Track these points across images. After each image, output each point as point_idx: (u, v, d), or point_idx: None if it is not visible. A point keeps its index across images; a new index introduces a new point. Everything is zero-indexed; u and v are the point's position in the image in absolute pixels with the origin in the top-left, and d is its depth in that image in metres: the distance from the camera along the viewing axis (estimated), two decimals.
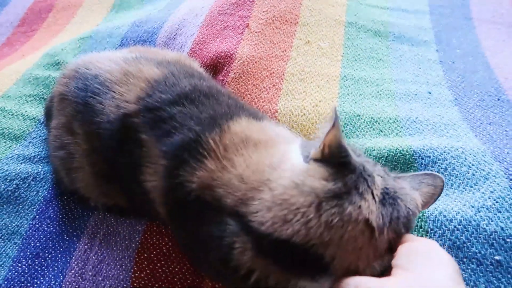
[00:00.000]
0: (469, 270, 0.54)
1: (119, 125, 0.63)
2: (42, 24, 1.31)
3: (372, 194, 0.48)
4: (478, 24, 1.06)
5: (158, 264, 0.66)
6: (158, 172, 0.60)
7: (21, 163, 0.80)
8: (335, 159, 0.49)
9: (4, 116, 0.88)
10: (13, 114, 0.89)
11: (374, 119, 0.78)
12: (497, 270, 0.53)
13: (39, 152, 0.84)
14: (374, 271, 0.47)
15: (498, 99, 0.82)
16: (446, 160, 0.66)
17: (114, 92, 0.66)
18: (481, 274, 0.53)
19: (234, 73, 0.84)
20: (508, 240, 0.54)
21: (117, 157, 0.65)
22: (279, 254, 0.48)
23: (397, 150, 0.70)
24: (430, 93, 0.84)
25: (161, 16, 1.07)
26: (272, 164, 0.53)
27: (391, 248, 0.47)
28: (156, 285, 0.64)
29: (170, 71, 0.69)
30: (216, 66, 0.88)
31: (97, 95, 0.66)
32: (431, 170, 0.66)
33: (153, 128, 0.61)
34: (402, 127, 0.76)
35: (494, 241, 0.54)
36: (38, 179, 0.79)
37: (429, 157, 0.67)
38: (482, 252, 0.54)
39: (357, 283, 0.45)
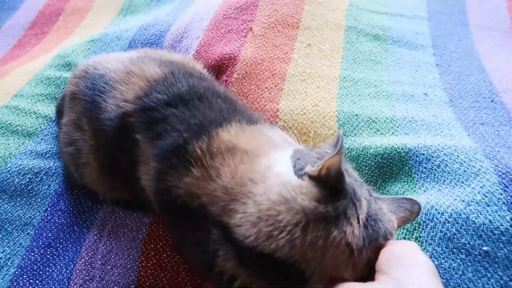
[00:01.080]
0: (458, 260, 0.57)
1: (118, 124, 0.66)
2: (52, 27, 1.36)
3: (358, 218, 0.49)
4: (474, 30, 1.10)
5: (164, 255, 0.69)
6: (150, 173, 0.61)
7: (34, 159, 0.84)
8: (331, 182, 0.49)
9: (18, 114, 0.92)
10: (26, 112, 0.93)
11: (371, 119, 0.81)
12: (485, 260, 0.55)
13: (51, 148, 0.87)
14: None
15: (492, 101, 0.85)
16: (439, 157, 0.69)
17: (116, 90, 0.68)
18: (469, 264, 0.56)
19: (238, 74, 0.88)
20: (495, 232, 0.57)
21: (117, 153, 0.68)
22: (261, 266, 0.50)
23: (393, 148, 0.73)
24: (426, 94, 0.88)
25: (168, 19, 1.11)
26: (256, 177, 0.52)
27: (371, 263, 0.49)
28: (162, 274, 0.68)
29: (170, 70, 0.70)
30: (220, 67, 0.91)
31: (102, 94, 0.69)
32: (425, 167, 0.69)
33: (147, 129, 0.63)
34: (398, 127, 0.79)
35: (483, 233, 0.57)
36: (50, 173, 0.83)
37: (423, 154, 0.70)
38: (471, 243, 0.57)
39: None
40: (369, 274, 0.49)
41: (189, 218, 0.57)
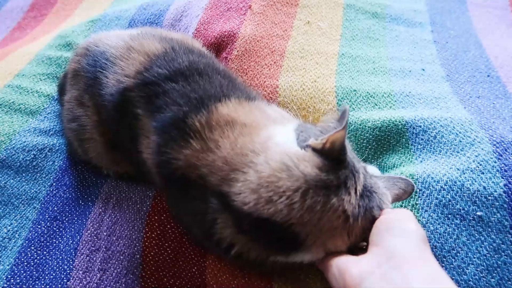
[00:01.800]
0: (453, 224, 0.59)
1: (119, 98, 0.67)
2: (51, 9, 1.36)
3: (355, 189, 0.52)
4: (471, 7, 1.11)
5: (168, 226, 0.71)
6: (150, 146, 0.63)
7: (38, 136, 0.86)
8: (333, 155, 0.52)
9: (20, 93, 0.93)
10: (28, 91, 0.94)
11: (369, 94, 0.82)
12: (479, 224, 0.57)
13: (54, 126, 0.89)
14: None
15: (488, 76, 0.87)
16: (435, 129, 0.70)
17: (117, 66, 0.69)
18: (464, 228, 0.58)
19: (237, 51, 0.89)
20: (489, 198, 0.58)
21: (119, 128, 0.69)
22: (258, 231, 0.52)
23: (390, 121, 0.74)
24: (423, 70, 0.89)
25: None
26: (257, 147, 0.54)
27: (365, 233, 0.52)
28: (166, 244, 0.70)
29: (171, 46, 0.71)
30: (220, 45, 0.92)
31: (104, 70, 0.70)
32: (421, 139, 0.71)
33: (148, 103, 0.64)
34: (395, 101, 0.81)
35: (477, 199, 0.59)
36: (53, 150, 0.85)
37: (420, 126, 0.72)
38: (466, 209, 0.59)
39: (338, 263, 0.50)
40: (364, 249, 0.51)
41: (188, 189, 0.59)
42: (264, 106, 0.67)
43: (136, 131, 0.66)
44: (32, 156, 0.82)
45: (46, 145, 0.85)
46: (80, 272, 0.68)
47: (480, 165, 0.62)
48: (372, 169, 0.71)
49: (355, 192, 0.52)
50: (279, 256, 0.54)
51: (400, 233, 0.49)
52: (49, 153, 0.84)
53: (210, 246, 0.63)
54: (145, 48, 0.70)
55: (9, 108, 0.89)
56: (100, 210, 0.75)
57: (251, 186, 0.51)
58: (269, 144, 0.55)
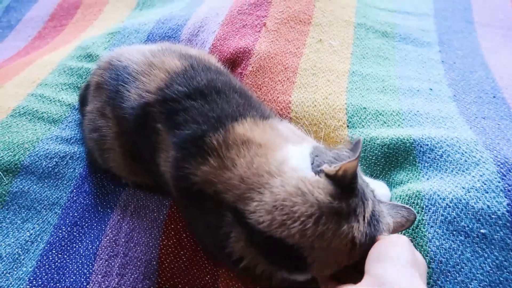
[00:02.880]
0: (458, 241, 0.62)
1: (140, 112, 0.70)
2: (71, 19, 1.41)
3: (364, 216, 0.55)
4: (478, 27, 1.14)
5: (184, 235, 0.74)
6: (169, 160, 0.66)
7: (60, 144, 0.90)
8: (345, 183, 0.54)
9: (43, 101, 0.97)
10: (50, 100, 0.98)
11: (378, 112, 0.86)
12: (482, 242, 0.60)
13: (75, 135, 0.93)
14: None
15: (494, 97, 0.90)
16: (442, 148, 0.73)
17: (139, 81, 0.72)
18: (468, 245, 0.61)
19: (252, 67, 0.93)
20: (493, 216, 0.61)
21: (139, 140, 0.72)
22: (268, 249, 0.55)
23: (399, 139, 0.77)
24: (431, 89, 0.92)
25: (184, 14, 1.16)
26: (273, 169, 0.57)
27: (365, 257, 0.54)
28: (182, 252, 0.73)
29: (190, 63, 0.74)
30: (235, 61, 0.96)
31: (126, 84, 0.73)
32: (428, 157, 0.74)
33: (168, 118, 0.67)
34: (404, 119, 0.84)
35: (481, 217, 0.61)
36: (74, 158, 0.88)
37: (427, 145, 0.75)
38: (470, 226, 0.61)
39: None
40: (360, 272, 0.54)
41: (204, 203, 0.62)
42: (277, 124, 0.70)
43: (155, 145, 0.69)
44: (54, 163, 0.86)
45: (67, 152, 0.88)
46: (99, 276, 0.71)
47: (485, 184, 0.65)
48: (381, 185, 0.75)
49: (364, 220, 0.55)
50: (284, 273, 0.57)
51: (388, 260, 0.51)
52: (70, 161, 0.88)
53: (221, 257, 0.66)
54: (166, 65, 0.74)
55: (33, 116, 0.93)
56: (119, 217, 0.78)
57: (266, 207, 0.54)
58: (285, 168, 0.57)
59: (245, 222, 0.55)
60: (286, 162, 0.58)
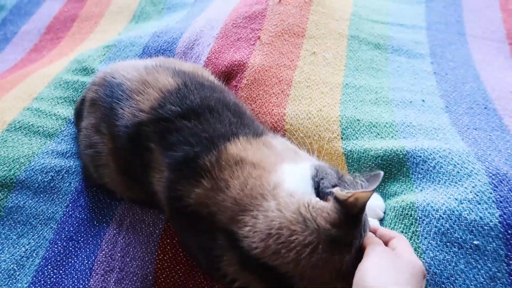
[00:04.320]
0: (451, 252, 0.62)
1: (134, 131, 0.70)
2: (67, 32, 1.41)
3: (356, 248, 0.55)
4: (470, 39, 1.16)
5: (180, 250, 0.74)
6: (162, 180, 0.66)
7: (55, 158, 0.90)
8: (353, 211, 0.54)
9: (39, 115, 0.97)
10: (46, 114, 0.98)
11: (372, 123, 0.87)
12: (476, 253, 0.60)
13: (71, 148, 0.93)
14: None
15: (485, 108, 0.91)
16: (434, 159, 0.74)
17: (132, 99, 0.73)
18: (461, 256, 0.61)
19: (247, 80, 0.94)
20: (485, 227, 0.62)
21: (133, 158, 0.73)
22: (261, 272, 0.56)
23: (392, 151, 0.78)
24: (423, 101, 0.93)
25: (179, 27, 1.17)
26: (266, 193, 0.57)
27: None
28: (178, 267, 0.73)
29: (183, 81, 0.74)
30: (230, 74, 0.97)
31: (120, 101, 0.74)
32: (421, 168, 0.75)
33: (161, 138, 0.67)
34: (397, 131, 0.85)
35: (474, 228, 0.62)
36: (70, 172, 0.88)
37: (420, 156, 0.76)
38: (463, 237, 0.62)
39: None
40: None
41: (198, 224, 0.62)
42: (272, 140, 0.70)
43: (149, 164, 0.69)
44: (50, 177, 0.86)
45: (63, 167, 0.89)
46: None
47: (477, 195, 0.65)
48: (375, 197, 0.75)
49: (356, 252, 0.55)
50: None
51: None
52: (65, 175, 0.88)
53: (215, 277, 0.66)
54: (159, 84, 0.74)
55: (28, 130, 0.93)
56: (115, 231, 0.78)
57: (260, 235, 0.54)
58: (279, 191, 0.57)
59: (238, 246, 0.56)
60: (281, 185, 0.58)
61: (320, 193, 0.57)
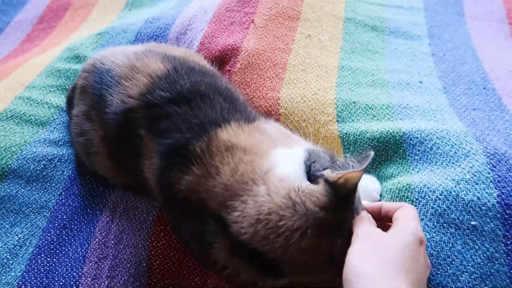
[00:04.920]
0: (448, 233, 0.61)
1: (123, 118, 0.69)
2: (60, 21, 1.40)
3: (348, 233, 0.52)
4: (469, 20, 1.13)
5: (173, 236, 0.73)
6: (153, 167, 0.65)
7: (48, 146, 0.89)
8: (343, 192, 0.52)
9: (31, 104, 0.96)
10: (38, 102, 0.97)
11: (368, 106, 0.85)
12: (473, 233, 0.59)
13: (63, 137, 0.92)
14: None
15: (484, 88, 0.89)
16: (432, 140, 0.73)
17: (121, 86, 0.71)
18: (458, 237, 0.60)
19: (240, 64, 0.92)
20: (483, 208, 0.60)
21: (123, 145, 0.71)
22: (251, 258, 0.55)
23: (388, 132, 0.77)
24: (421, 82, 0.91)
25: (172, 13, 1.15)
26: (256, 178, 0.56)
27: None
28: (172, 253, 0.72)
29: (173, 66, 0.73)
30: (223, 58, 0.95)
31: (109, 88, 0.72)
32: (418, 150, 0.73)
33: (151, 124, 0.66)
34: (394, 113, 0.83)
35: (471, 209, 0.61)
36: (63, 160, 0.88)
37: (417, 138, 0.74)
38: (460, 218, 0.61)
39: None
40: None
41: (189, 211, 0.61)
42: (265, 125, 0.69)
43: (139, 151, 0.68)
44: (42, 166, 0.85)
45: (55, 155, 0.88)
46: (89, 279, 0.70)
47: (475, 176, 0.64)
48: (371, 180, 0.74)
49: (347, 236, 0.52)
50: (266, 280, 0.57)
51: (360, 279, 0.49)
52: (58, 163, 0.87)
53: (208, 264, 0.65)
54: (149, 69, 0.72)
55: (20, 119, 0.92)
56: (108, 219, 0.78)
57: (249, 219, 0.53)
58: (271, 176, 0.56)
59: (228, 232, 0.55)
60: (273, 169, 0.57)
61: (312, 176, 0.55)
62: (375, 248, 0.49)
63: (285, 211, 0.52)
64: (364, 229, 0.52)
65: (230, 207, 0.55)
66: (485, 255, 0.58)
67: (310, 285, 0.56)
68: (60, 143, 0.91)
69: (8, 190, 0.81)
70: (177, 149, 0.62)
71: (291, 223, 0.51)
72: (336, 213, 0.52)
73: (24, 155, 0.85)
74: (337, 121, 0.83)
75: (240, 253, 0.55)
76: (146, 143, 0.67)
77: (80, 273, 0.71)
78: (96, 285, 0.70)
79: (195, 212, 0.59)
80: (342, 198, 0.52)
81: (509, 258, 0.56)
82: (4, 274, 0.72)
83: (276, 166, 0.57)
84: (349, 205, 0.54)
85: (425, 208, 0.65)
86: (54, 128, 0.93)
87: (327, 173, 0.54)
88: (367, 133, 0.78)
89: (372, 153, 0.54)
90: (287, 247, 0.51)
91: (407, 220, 0.53)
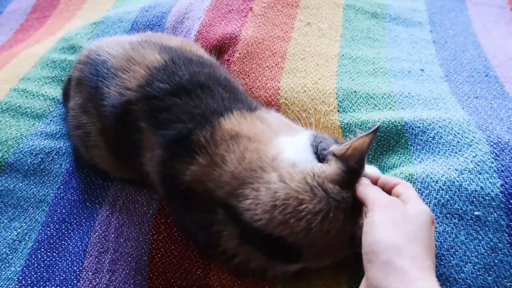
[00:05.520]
0: (452, 224, 0.61)
1: (121, 111, 0.68)
2: (54, 10, 1.37)
3: (364, 212, 0.53)
4: (470, 6, 1.12)
5: (174, 229, 0.73)
6: (154, 159, 0.64)
7: (45, 139, 0.87)
8: (353, 162, 0.53)
9: (26, 96, 0.94)
10: (34, 94, 0.95)
11: (369, 95, 0.84)
12: (476, 224, 0.59)
13: (60, 129, 0.90)
14: None
15: (486, 75, 0.88)
16: (434, 129, 0.72)
17: (118, 78, 0.70)
18: (462, 228, 0.60)
19: (239, 53, 0.90)
20: (486, 198, 0.60)
21: (122, 138, 0.70)
22: (263, 244, 0.54)
23: (390, 122, 0.76)
24: (422, 70, 0.90)
25: (169, 1, 1.12)
26: (265, 165, 0.56)
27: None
28: (173, 246, 0.71)
29: (170, 57, 0.71)
30: (222, 47, 0.94)
31: (105, 79, 0.71)
32: (420, 139, 0.73)
33: (151, 116, 0.65)
34: (395, 102, 0.82)
35: (474, 199, 0.60)
36: (60, 153, 0.86)
37: (419, 127, 0.73)
38: (464, 209, 0.60)
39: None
40: None
41: (194, 202, 0.60)
42: (266, 115, 0.68)
43: (139, 143, 0.67)
44: (40, 159, 0.84)
45: (53, 148, 0.86)
46: (90, 273, 0.70)
47: (478, 165, 0.64)
48: (373, 170, 0.73)
49: (365, 214, 0.53)
50: (279, 265, 0.57)
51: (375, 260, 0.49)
52: (56, 156, 0.86)
53: (214, 255, 0.65)
54: (146, 61, 0.70)
55: (16, 112, 0.91)
56: (108, 212, 0.77)
57: (263, 207, 0.52)
58: (280, 162, 0.56)
59: (239, 219, 0.54)
60: (280, 156, 0.57)
61: (320, 155, 0.56)
62: (399, 220, 0.49)
63: (304, 195, 0.52)
64: (384, 198, 0.52)
65: (241, 195, 0.55)
66: (488, 245, 0.57)
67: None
68: (57, 135, 0.89)
69: (6, 185, 0.80)
70: (180, 139, 0.61)
71: (311, 206, 0.51)
72: (350, 187, 0.53)
73: (21, 149, 0.84)
74: (338, 111, 0.82)
75: (251, 240, 0.55)
76: (147, 135, 0.66)
77: (80, 267, 0.71)
78: (97, 279, 0.69)
79: (201, 202, 0.59)
80: (355, 171, 0.53)
81: None
82: (4, 269, 0.71)
83: (282, 152, 0.58)
84: (360, 174, 0.54)
85: (428, 199, 0.64)
86: (51, 120, 0.92)
87: (334, 148, 0.55)
88: (369, 123, 0.77)
89: (380, 124, 0.55)
90: (308, 231, 0.51)
91: (418, 198, 0.54)
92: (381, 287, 0.43)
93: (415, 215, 0.50)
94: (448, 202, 0.62)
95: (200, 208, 0.59)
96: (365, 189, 0.53)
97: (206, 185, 0.57)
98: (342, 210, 0.52)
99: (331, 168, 0.54)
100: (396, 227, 0.48)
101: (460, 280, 0.56)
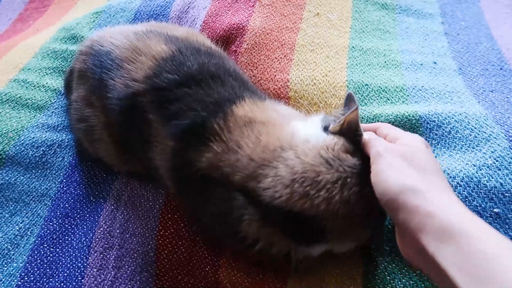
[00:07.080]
0: None
1: (128, 103, 0.66)
2: (53, 0, 1.33)
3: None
4: None
5: (182, 224, 0.71)
6: (165, 152, 0.62)
7: (46, 131, 0.85)
8: (351, 134, 0.54)
9: (27, 87, 0.91)
10: (34, 85, 0.92)
11: (381, 88, 0.81)
12: (496, 221, 0.57)
13: (62, 121, 0.88)
14: None
15: (501, 68, 0.86)
16: (450, 124, 0.70)
17: (123, 69, 0.67)
18: None
19: (247, 44, 0.88)
20: (506, 194, 0.58)
21: (128, 132, 0.68)
22: (285, 224, 0.53)
23: (404, 116, 0.74)
24: (435, 63, 0.88)
25: None
26: (283, 144, 0.55)
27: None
28: (180, 242, 0.69)
29: (177, 48, 0.69)
30: (228, 38, 0.91)
31: (110, 71, 0.69)
32: (436, 134, 0.70)
33: (160, 108, 0.63)
34: (408, 95, 0.80)
35: (494, 196, 0.59)
36: (63, 146, 0.84)
37: (434, 121, 0.71)
38: (483, 206, 0.59)
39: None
40: None
41: (209, 189, 0.59)
42: (275, 105, 0.67)
43: (148, 137, 0.65)
44: (42, 152, 0.81)
45: (55, 141, 0.84)
46: (95, 269, 0.68)
47: (497, 161, 0.62)
48: None
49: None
50: (302, 247, 0.55)
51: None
52: (58, 149, 0.83)
53: (234, 243, 0.63)
54: (152, 51, 0.68)
55: (16, 103, 0.88)
56: (112, 207, 0.75)
57: (283, 181, 0.52)
58: (296, 140, 0.56)
59: (258, 201, 0.53)
60: (295, 135, 0.57)
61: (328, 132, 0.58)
62: (401, 159, 0.49)
63: (320, 167, 0.52)
64: (381, 145, 0.52)
65: (260, 176, 0.54)
66: None
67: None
68: (59, 128, 0.87)
69: (7, 178, 0.77)
70: (194, 128, 0.60)
71: (329, 176, 0.51)
72: (360, 154, 0.54)
73: (22, 141, 0.81)
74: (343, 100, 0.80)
75: (272, 220, 0.54)
76: (156, 127, 0.64)
77: (85, 264, 0.69)
78: (102, 276, 0.67)
79: (217, 190, 0.58)
80: (356, 142, 0.55)
81: None
82: (6, 265, 0.69)
83: (296, 131, 0.58)
84: (361, 142, 0.55)
85: None
86: (52, 112, 0.89)
87: (331, 127, 0.57)
88: (381, 117, 0.75)
89: (350, 92, 0.59)
90: (329, 200, 0.50)
91: (403, 132, 0.57)
92: (411, 228, 0.44)
93: (410, 149, 0.51)
94: (467, 199, 0.60)
95: (217, 196, 0.58)
96: (365, 145, 0.55)
97: (223, 170, 0.56)
98: (357, 175, 0.52)
99: (338, 139, 0.55)
100: (404, 169, 0.48)
101: None
